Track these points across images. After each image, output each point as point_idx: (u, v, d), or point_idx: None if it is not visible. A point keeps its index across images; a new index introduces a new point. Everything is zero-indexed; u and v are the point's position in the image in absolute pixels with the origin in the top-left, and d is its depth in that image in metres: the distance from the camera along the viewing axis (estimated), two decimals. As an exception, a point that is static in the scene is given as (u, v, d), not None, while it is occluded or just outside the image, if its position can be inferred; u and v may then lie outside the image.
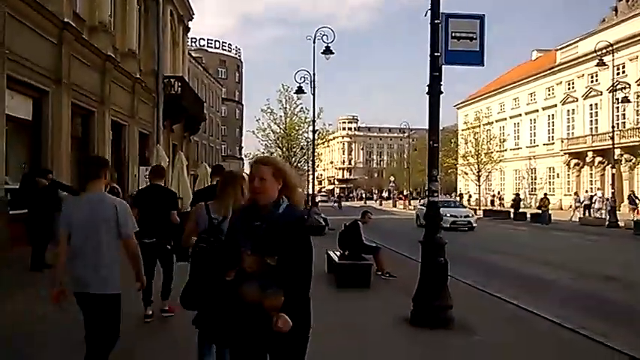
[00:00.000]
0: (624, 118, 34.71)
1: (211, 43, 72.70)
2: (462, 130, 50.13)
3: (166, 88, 21.64)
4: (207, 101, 54.02)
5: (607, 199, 29.95)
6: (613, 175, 27.80)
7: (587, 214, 29.83)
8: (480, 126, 44.26)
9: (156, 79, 20.48)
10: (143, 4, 20.55)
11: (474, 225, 22.87)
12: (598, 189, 36.65)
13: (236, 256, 2.67)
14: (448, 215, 21.48)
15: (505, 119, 52.88)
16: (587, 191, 37.10)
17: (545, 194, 31.05)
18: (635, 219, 23.94)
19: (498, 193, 47.22)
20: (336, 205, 51.84)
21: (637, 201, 28.08)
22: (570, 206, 34.70)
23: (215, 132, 65.61)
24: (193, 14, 29.44)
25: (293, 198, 2.76)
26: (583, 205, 31.97)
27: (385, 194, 68.78)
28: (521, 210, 32.94)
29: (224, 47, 74.99)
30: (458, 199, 42.50)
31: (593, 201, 31.16)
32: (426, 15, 6.55)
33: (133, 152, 18.72)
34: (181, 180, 16.40)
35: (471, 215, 23.92)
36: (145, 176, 16.87)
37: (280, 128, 31.63)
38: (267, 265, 2.59)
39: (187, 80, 28.57)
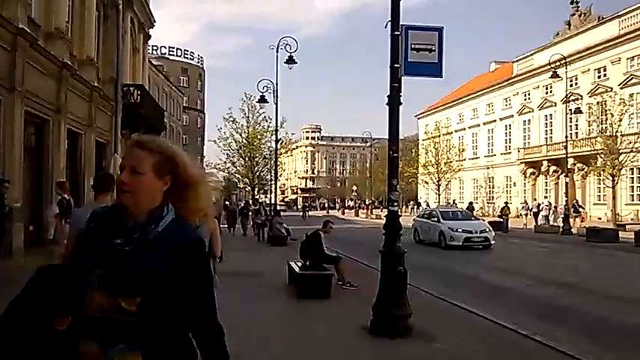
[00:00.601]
0: (577, 129, 36.05)
1: (173, 51, 71.76)
2: (423, 140, 51.04)
3: (125, 96, 21.20)
4: (168, 110, 53.22)
5: (554, 207, 31.17)
6: (567, 183, 28.80)
7: (535, 221, 31.15)
8: (439, 136, 45.15)
9: (115, 87, 20.03)
10: (102, 11, 20.13)
11: (492, 242, 18.74)
12: (545, 197, 38.18)
13: (76, 291, 1.52)
14: (460, 230, 18.45)
15: (464, 129, 54.12)
16: (535, 199, 38.57)
17: (506, 202, 31.69)
18: (579, 226, 24.80)
19: (454, 201, 48.16)
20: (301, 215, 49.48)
21: (580, 209, 29.08)
22: (519, 215, 35.95)
23: (176, 141, 64.42)
24: (154, 22, 29.02)
25: (190, 207, 1.73)
26: (532, 212, 33.52)
27: (350, 203, 68.26)
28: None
29: (186, 55, 74.13)
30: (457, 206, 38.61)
31: (541, 208, 32.48)
32: (386, 26, 6.65)
33: (89, 162, 18.23)
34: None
35: (488, 230, 19.18)
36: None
37: (242, 137, 31.44)
38: (120, 310, 1.55)
39: (147, 88, 28.09)
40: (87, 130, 18.01)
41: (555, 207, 32.91)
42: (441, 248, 18.35)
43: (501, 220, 28.00)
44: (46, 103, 14.44)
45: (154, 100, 30.60)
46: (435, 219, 19.95)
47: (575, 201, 27.07)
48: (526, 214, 33.65)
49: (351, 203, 63.74)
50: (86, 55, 17.60)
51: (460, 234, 18.33)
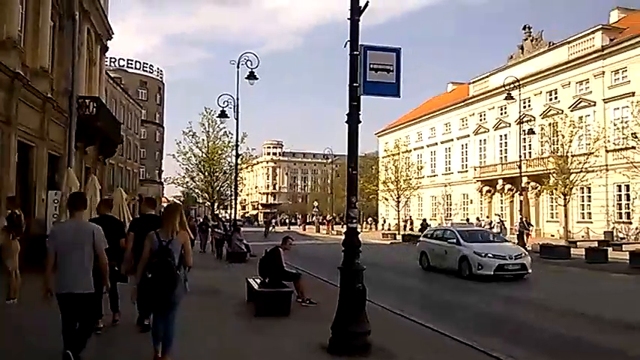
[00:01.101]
0: (530, 149, 37.26)
1: (131, 64, 70.53)
2: (383, 158, 51.68)
3: (80, 108, 20.62)
4: (125, 123, 52.15)
5: (503, 223, 31.84)
6: (521, 201, 29.66)
7: None
8: (399, 153, 45.84)
9: (69, 99, 19.47)
10: (58, 21, 19.62)
11: (529, 270, 15.03)
12: (496, 214, 39.40)
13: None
14: (490, 256, 14.69)
15: (423, 147, 55.16)
16: (487, 217, 39.65)
17: (468, 219, 32.02)
18: (526, 242, 25.33)
19: (410, 217, 48.80)
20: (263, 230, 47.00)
21: (529, 227, 29.80)
22: None
23: (133, 155, 63.27)
24: (112, 34, 28.48)
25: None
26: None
27: (314, 219, 66.70)
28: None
29: (145, 68, 72.97)
30: (489, 223, 33.63)
31: (492, 225, 33.03)
32: (345, 46, 6.71)
33: (41, 175, 17.58)
34: (93, 205, 15.61)
35: (523, 255, 15.52)
36: (54, 201, 15.90)
37: (202, 152, 31.08)
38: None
39: (104, 101, 27.48)
40: (39, 142, 17.39)
41: (503, 222, 33.88)
42: (462, 278, 14.91)
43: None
44: (-4, 114, 13.90)
45: (111, 112, 29.94)
46: (453, 240, 16.23)
47: (524, 218, 27.76)
48: None
49: (314, 219, 63.34)
50: (40, 65, 17.07)
51: (491, 260, 14.54)
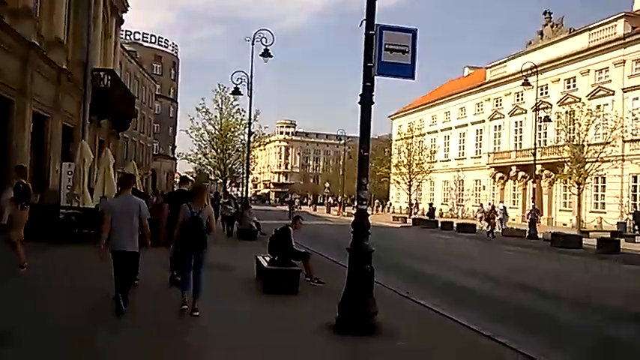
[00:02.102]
0: (546, 136, 36.84)
1: (147, 38, 70.40)
2: (396, 141, 51.41)
3: (95, 81, 20.71)
4: (139, 97, 52.25)
5: (506, 211, 31.56)
6: (534, 189, 29.41)
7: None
8: (412, 137, 45.56)
9: (84, 71, 19.54)
10: (74, -8, 19.60)
11: None
12: (500, 201, 39.06)
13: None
14: None
15: (436, 132, 54.75)
16: (489, 203, 39.44)
17: (493, 206, 30.83)
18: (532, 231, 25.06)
19: (416, 201, 48.50)
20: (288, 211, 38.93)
21: (537, 215, 29.50)
22: (475, 216, 36.67)
23: (147, 129, 63.54)
24: (128, 6, 28.44)
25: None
26: (487, 215, 33.83)
27: (330, 200, 65.27)
28: (448, 220, 34.40)
29: (160, 42, 72.83)
30: None
31: (497, 212, 32.69)
32: (361, 25, 6.60)
33: (55, 147, 17.76)
34: (107, 178, 15.76)
35: None
36: (67, 172, 16.06)
37: (215, 129, 31.11)
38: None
39: (119, 74, 27.53)
40: (54, 113, 17.53)
41: (505, 209, 33.75)
42: None
43: (488, 224, 26.89)
44: (11, 83, 14.00)
45: (125, 86, 30.02)
46: None
47: (532, 206, 27.54)
48: (481, 218, 34.34)
49: (331, 200, 62.89)
50: (55, 36, 17.10)
51: None
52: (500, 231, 27.01)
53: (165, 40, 74.19)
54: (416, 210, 47.00)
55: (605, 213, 32.77)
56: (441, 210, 48.97)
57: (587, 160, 26.91)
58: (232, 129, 31.01)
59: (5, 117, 14.33)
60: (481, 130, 48.26)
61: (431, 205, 41.10)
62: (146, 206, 6.76)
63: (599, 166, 26.91)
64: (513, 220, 37.17)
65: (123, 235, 6.40)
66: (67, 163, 16.61)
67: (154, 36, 71.94)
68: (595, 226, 30.28)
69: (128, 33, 62.47)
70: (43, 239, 12.41)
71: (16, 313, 6.38)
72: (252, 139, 27.06)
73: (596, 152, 26.77)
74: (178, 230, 6.71)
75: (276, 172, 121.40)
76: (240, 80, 22.62)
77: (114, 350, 5.25)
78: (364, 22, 6.51)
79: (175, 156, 66.46)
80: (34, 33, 15.05)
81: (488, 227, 26.59)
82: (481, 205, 40.00)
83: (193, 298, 6.63)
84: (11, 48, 13.80)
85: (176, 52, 76.51)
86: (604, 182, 33.45)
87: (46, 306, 6.87)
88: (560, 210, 37.31)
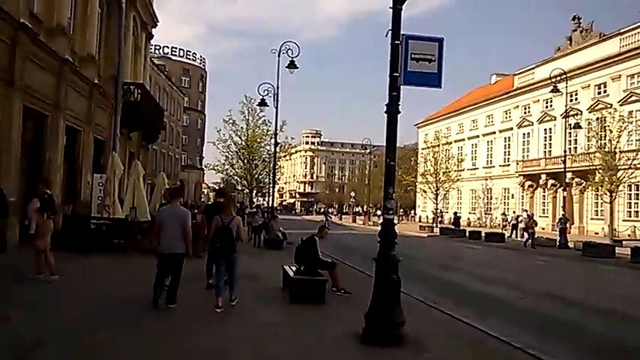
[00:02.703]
0: (576, 144, 36.11)
1: (175, 51, 71.84)
2: (422, 149, 51.05)
3: (126, 94, 21.20)
4: (168, 109, 53.22)
5: (532, 219, 30.82)
6: (564, 197, 28.80)
7: (514, 233, 31.68)
8: (439, 145, 45.19)
9: (115, 85, 20.04)
10: (106, 8, 20.16)
11: None
12: (524, 210, 38.66)
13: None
14: None
15: (463, 140, 54.21)
16: (514, 212, 39.02)
17: (532, 215, 29.83)
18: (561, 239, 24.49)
19: (440, 211, 47.94)
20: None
21: (566, 223, 28.87)
22: (498, 225, 36.20)
23: (175, 141, 64.62)
24: (157, 21, 29.08)
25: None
26: (511, 224, 33.93)
27: (358, 209, 64.33)
28: (475, 229, 34.05)
29: (188, 56, 74.21)
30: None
31: (519, 221, 32.35)
32: (387, 35, 6.62)
33: (87, 159, 18.21)
34: (137, 189, 16.07)
35: None
36: (99, 184, 16.44)
37: (242, 140, 31.41)
38: None
39: (148, 88, 28.11)
40: (86, 127, 17.99)
41: (532, 218, 33.19)
42: None
43: (527, 234, 25.93)
44: (46, 98, 14.43)
45: (155, 99, 30.62)
46: None
47: (562, 214, 26.96)
48: (504, 226, 34.10)
49: (358, 209, 62.60)
50: (87, 52, 17.60)
51: None
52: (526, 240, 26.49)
53: (194, 53, 75.63)
54: (440, 219, 46.43)
55: (639, 221, 31.88)
56: (468, 219, 48.39)
57: (619, 167, 26.28)
58: (259, 139, 31.26)
59: (40, 131, 14.78)
60: (509, 137, 47.58)
61: (456, 214, 40.70)
62: (189, 216, 7.77)
63: (632, 173, 26.24)
64: (543, 229, 36.48)
65: (171, 239, 7.39)
66: (99, 175, 17.01)
67: (182, 49, 73.41)
68: (628, 235, 29.46)
69: (157, 47, 63.85)
70: (75, 249, 12.72)
71: (53, 315, 6.57)
72: (278, 150, 27.24)
73: (628, 159, 26.11)
74: (210, 238, 7.73)
75: (301, 182, 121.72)
76: (266, 92, 22.88)
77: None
78: (390, 32, 6.54)
79: (203, 167, 67.33)
80: (68, 50, 15.52)
81: (525, 237, 25.84)
82: (504, 214, 39.69)
83: (230, 293, 7.83)
84: (46, 64, 14.27)
85: (204, 65, 77.82)
86: (637, 190, 32.57)
87: (87, 307, 7.38)
88: (591, 219, 36.43)
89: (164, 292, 7.53)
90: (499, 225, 37.25)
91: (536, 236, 25.67)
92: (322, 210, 58.51)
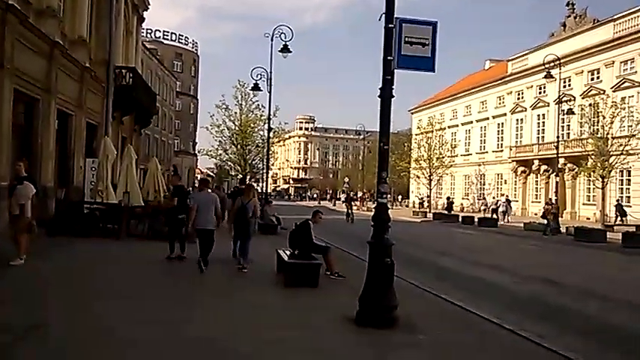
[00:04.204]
0: (569, 129, 36.22)
1: (167, 35, 71.08)
2: (416, 135, 51.05)
3: (117, 78, 20.99)
4: (160, 94, 52.78)
5: (510, 203, 32.93)
6: (557, 183, 28.96)
7: (494, 216, 33.05)
8: (432, 131, 45.20)
9: (107, 68, 19.81)
10: (96, -9, 19.85)
11: None
12: (502, 194, 40.33)
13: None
14: None
15: (457, 125, 54.24)
16: (494, 197, 39.90)
17: (551, 200, 27.64)
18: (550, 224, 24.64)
19: (428, 196, 48.05)
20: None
21: (551, 207, 29.22)
22: (478, 209, 37.03)
23: (168, 126, 64.23)
24: (149, 4, 28.72)
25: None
26: (490, 208, 35.51)
27: (355, 196, 63.11)
28: (469, 214, 34.40)
29: (180, 40, 73.47)
30: None
31: (498, 205, 34.26)
32: (380, 19, 6.58)
33: (79, 143, 18.07)
34: (129, 174, 15.99)
35: None
36: (91, 168, 16.36)
37: (235, 125, 31.26)
38: None
39: (140, 72, 27.85)
40: (77, 111, 17.83)
41: (509, 202, 35.35)
42: None
43: (545, 221, 24.48)
44: (36, 82, 14.26)
45: (147, 83, 30.35)
46: None
47: (549, 199, 27.19)
48: (484, 210, 34.90)
49: (353, 195, 62.35)
50: (78, 34, 17.38)
51: None
52: (504, 223, 26.85)
53: (186, 37, 74.88)
54: (427, 204, 46.44)
55: (630, 207, 32.10)
56: (461, 204, 48.60)
57: (611, 153, 26.42)
58: (252, 124, 31.13)
59: (31, 115, 14.62)
60: (502, 123, 47.65)
61: (449, 199, 40.98)
62: (217, 199, 10.08)
63: (624, 159, 26.40)
64: (535, 214, 36.76)
65: (204, 218, 9.52)
66: (91, 160, 16.91)
67: (175, 34, 72.66)
68: (620, 220, 29.70)
69: (149, 31, 63.12)
70: (68, 233, 12.69)
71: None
72: (271, 135, 27.14)
73: (621, 145, 26.24)
74: (234, 215, 10.22)
75: (295, 168, 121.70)
76: (259, 76, 22.72)
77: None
78: (384, 15, 6.49)
79: (196, 152, 67.09)
80: (58, 32, 15.31)
81: (548, 224, 24.13)
82: (484, 198, 40.59)
83: (242, 261, 9.91)
84: (36, 47, 14.08)
85: (196, 50, 77.12)
86: (629, 175, 32.79)
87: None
88: (583, 204, 36.70)
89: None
90: (478, 209, 38.31)
91: (509, 220, 25.49)
92: (345, 196, 44.95)
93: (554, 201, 26.48)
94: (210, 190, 11.27)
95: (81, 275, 8.82)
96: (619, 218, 28.77)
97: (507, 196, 39.00)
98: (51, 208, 14.34)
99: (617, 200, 30.55)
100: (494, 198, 39.63)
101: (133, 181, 15.89)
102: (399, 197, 61.92)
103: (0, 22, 11.91)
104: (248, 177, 33.99)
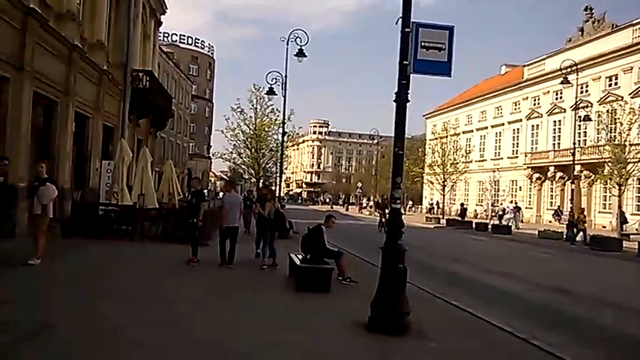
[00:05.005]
0: (585, 136, 35.83)
1: (184, 39, 71.67)
2: (430, 140, 50.83)
3: (134, 81, 21.20)
4: (176, 97, 53.22)
5: (519, 210, 33.49)
6: (572, 190, 28.66)
7: (501, 222, 33.13)
8: (447, 136, 44.98)
9: (124, 72, 20.03)
10: (114, -5, 20.10)
11: None
12: (510, 201, 40.13)
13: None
14: None
15: (472, 131, 53.89)
16: (501, 203, 39.76)
17: (583, 209, 27.29)
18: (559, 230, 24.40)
19: (437, 202, 47.80)
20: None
21: (561, 215, 29.15)
22: (487, 216, 36.74)
23: (183, 129, 64.70)
24: (166, 8, 29.01)
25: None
26: (497, 215, 35.73)
27: (364, 201, 63.24)
28: (482, 221, 34.21)
29: (197, 44, 74.02)
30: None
31: (505, 212, 34.65)
32: (397, 23, 6.58)
33: (96, 145, 18.26)
34: (145, 176, 16.14)
35: None
36: (107, 170, 16.54)
37: (250, 129, 31.38)
38: None
39: (157, 75, 28.10)
40: (95, 113, 18.02)
41: (519, 209, 35.57)
42: None
43: (575, 230, 23.96)
44: (55, 84, 14.45)
45: (163, 86, 30.62)
46: None
47: (557, 207, 26.93)
48: (492, 216, 34.80)
49: (364, 201, 62.31)
50: (96, 38, 17.59)
51: None
52: (514, 229, 26.82)
53: (202, 41, 75.37)
54: (436, 209, 46.28)
55: (647, 215, 31.69)
56: (475, 211, 48.25)
57: (629, 160, 26.07)
58: (266, 128, 31.22)
59: (49, 117, 14.81)
60: (518, 129, 47.25)
61: (462, 205, 40.72)
62: (241, 200, 11.94)
63: (641, 166, 26.04)
64: (550, 222, 36.39)
65: (232, 216, 10.76)
66: (107, 162, 17.08)
67: (191, 37, 73.19)
68: (636, 229, 29.27)
69: (166, 35, 63.73)
70: (83, 234, 12.83)
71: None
72: (285, 139, 27.22)
73: (638, 152, 25.89)
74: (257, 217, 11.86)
75: (308, 172, 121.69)
76: (274, 80, 22.82)
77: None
78: (400, 19, 6.49)
79: (210, 155, 67.43)
80: (78, 35, 15.51)
81: (577, 234, 23.54)
82: (492, 204, 40.44)
83: (263, 258, 11.00)
84: (56, 50, 14.27)
85: (212, 53, 77.60)
86: (647, 184, 32.34)
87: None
88: (599, 212, 36.22)
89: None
90: (487, 216, 38.19)
91: (518, 226, 25.30)
92: (379, 202, 36.08)
93: (569, 208, 26.19)
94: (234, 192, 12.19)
95: (94, 276, 8.90)
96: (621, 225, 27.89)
97: (516, 202, 38.62)
98: (67, 210, 14.50)
99: (619, 207, 30.03)
100: (500, 204, 39.66)
101: (149, 183, 16.04)
102: (410, 203, 61.68)
103: (21, 25, 12.11)
104: (261, 181, 34.14)
